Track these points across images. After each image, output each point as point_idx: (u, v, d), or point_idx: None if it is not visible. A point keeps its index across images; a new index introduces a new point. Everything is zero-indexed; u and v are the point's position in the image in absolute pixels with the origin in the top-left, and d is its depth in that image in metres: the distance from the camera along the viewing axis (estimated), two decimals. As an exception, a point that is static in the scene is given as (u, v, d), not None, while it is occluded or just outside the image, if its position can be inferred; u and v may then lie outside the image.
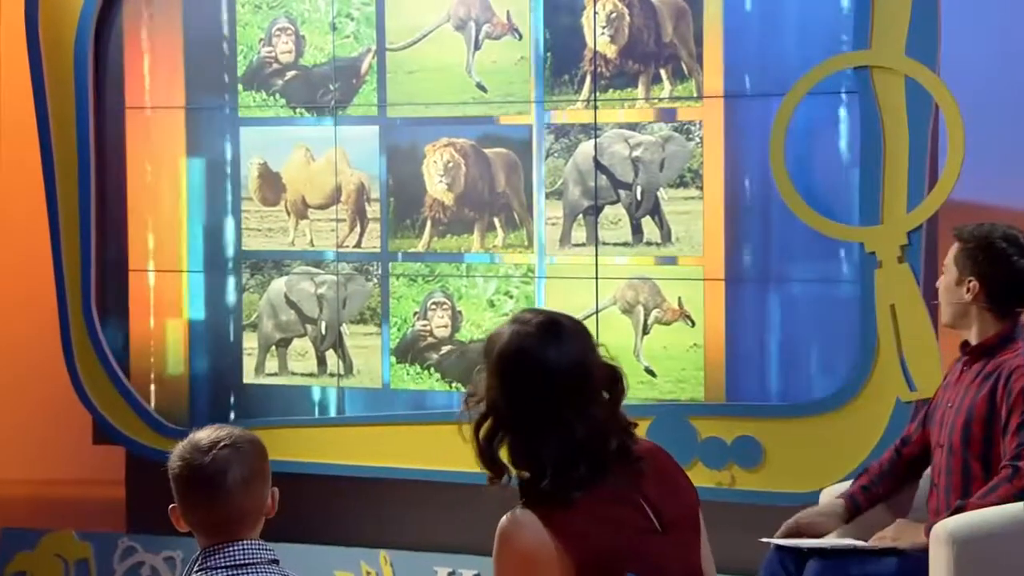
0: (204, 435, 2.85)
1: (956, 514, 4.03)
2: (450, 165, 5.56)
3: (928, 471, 4.34)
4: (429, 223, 5.62)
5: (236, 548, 2.82)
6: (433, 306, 5.64)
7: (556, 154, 5.43)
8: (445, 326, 5.62)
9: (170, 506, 2.87)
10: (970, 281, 4.23)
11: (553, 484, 2.65)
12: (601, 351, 2.73)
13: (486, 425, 2.69)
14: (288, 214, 5.85)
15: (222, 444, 2.82)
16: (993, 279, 4.22)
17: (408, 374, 5.69)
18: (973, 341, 4.26)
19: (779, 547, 4.21)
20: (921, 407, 4.54)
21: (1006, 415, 4.11)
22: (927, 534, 4.02)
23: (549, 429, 2.65)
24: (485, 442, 2.69)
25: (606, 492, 2.67)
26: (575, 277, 5.37)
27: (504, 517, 2.66)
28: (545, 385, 2.65)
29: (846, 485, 4.41)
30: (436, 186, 5.60)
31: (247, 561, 2.81)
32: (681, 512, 2.73)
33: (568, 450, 2.65)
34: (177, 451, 2.86)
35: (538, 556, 2.62)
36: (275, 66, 5.84)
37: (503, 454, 2.70)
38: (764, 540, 4.26)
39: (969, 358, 4.27)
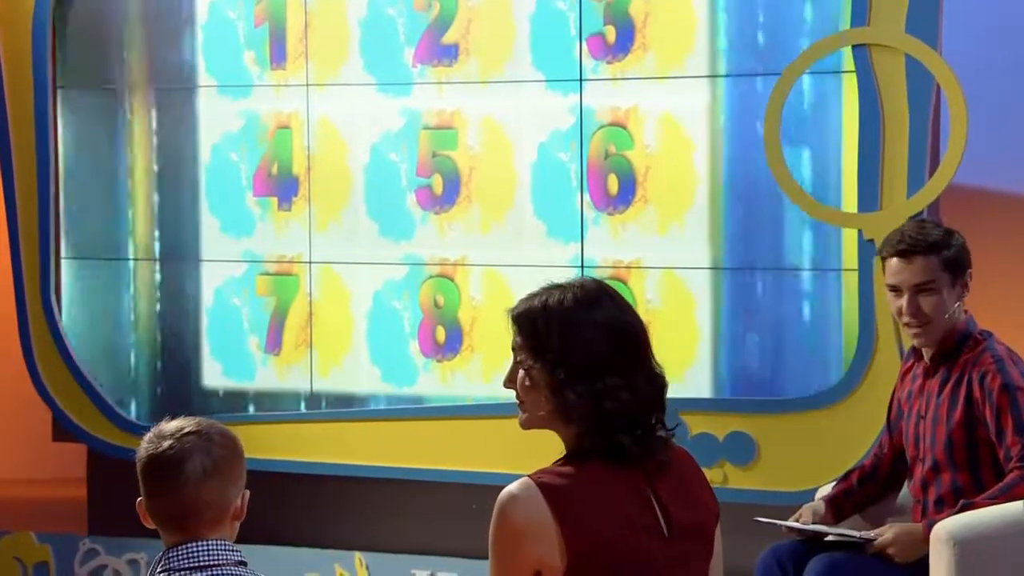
0: (173, 423, 2.86)
1: (967, 510, 4.07)
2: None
3: (907, 485, 4.37)
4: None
5: (199, 548, 2.81)
6: None
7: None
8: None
9: (137, 499, 2.87)
10: (968, 273, 4.24)
11: (562, 461, 2.70)
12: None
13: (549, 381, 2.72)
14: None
15: (187, 431, 2.82)
16: (970, 263, 4.25)
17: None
18: (935, 344, 4.24)
19: (776, 547, 4.25)
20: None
21: (993, 417, 4.12)
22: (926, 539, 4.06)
23: (610, 384, 2.69)
24: (557, 396, 2.71)
25: (618, 484, 2.68)
26: (566, 266, 5.38)
27: (505, 489, 2.68)
28: (605, 340, 2.70)
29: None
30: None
31: (212, 562, 2.80)
32: (694, 522, 2.74)
33: (606, 411, 2.69)
34: (144, 437, 2.87)
35: (529, 532, 2.63)
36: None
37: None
38: (761, 519, 4.29)
39: (930, 364, 4.27)
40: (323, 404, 5.80)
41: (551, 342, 2.71)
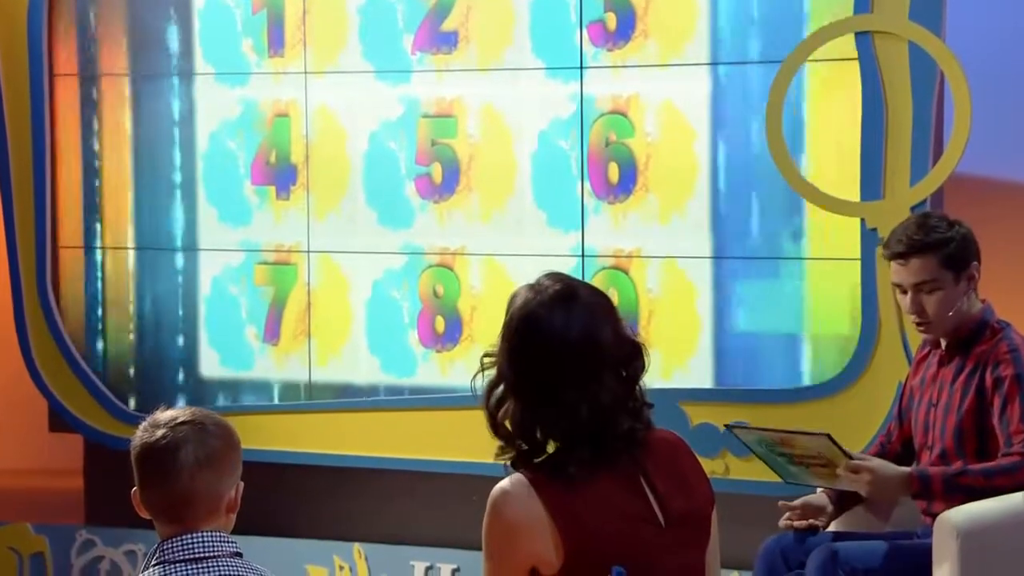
0: (168, 412, 2.85)
1: (959, 477, 4.06)
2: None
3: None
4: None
5: (195, 539, 2.80)
6: None
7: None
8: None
9: (132, 489, 2.86)
10: (974, 266, 4.21)
11: (549, 460, 2.65)
12: (625, 326, 2.71)
13: (496, 391, 2.69)
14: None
15: (180, 421, 2.81)
16: (976, 253, 4.22)
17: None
18: (944, 337, 4.24)
19: (780, 536, 4.25)
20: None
21: (1000, 403, 4.11)
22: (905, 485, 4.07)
23: (549, 404, 2.64)
24: (493, 407, 2.69)
25: (610, 476, 2.66)
26: (566, 255, 5.36)
27: (497, 485, 2.66)
28: (548, 359, 2.64)
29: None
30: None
31: (207, 554, 2.79)
32: (689, 510, 2.72)
33: (567, 429, 2.65)
34: (139, 427, 2.86)
35: (522, 528, 2.61)
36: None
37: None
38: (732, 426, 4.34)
39: (945, 352, 4.26)
40: (305, 395, 5.78)
41: (510, 360, 2.67)
